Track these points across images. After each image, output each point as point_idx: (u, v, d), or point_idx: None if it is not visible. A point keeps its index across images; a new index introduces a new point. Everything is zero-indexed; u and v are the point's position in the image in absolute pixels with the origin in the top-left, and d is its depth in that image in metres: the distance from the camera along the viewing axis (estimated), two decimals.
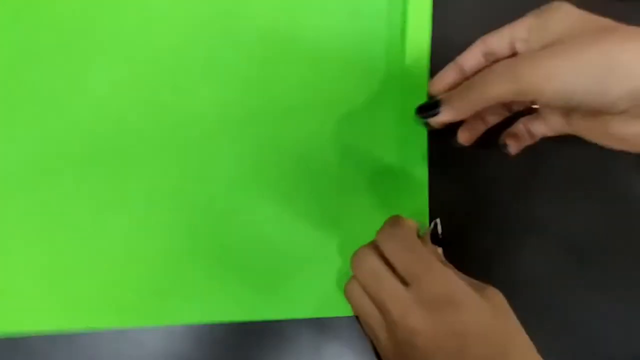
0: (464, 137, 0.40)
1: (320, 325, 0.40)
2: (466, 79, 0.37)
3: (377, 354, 0.37)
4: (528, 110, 0.39)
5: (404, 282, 0.33)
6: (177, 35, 0.41)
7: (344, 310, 0.39)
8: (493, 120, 0.40)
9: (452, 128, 0.39)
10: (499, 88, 0.32)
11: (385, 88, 0.42)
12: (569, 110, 0.35)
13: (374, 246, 0.35)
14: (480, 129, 0.40)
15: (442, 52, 0.41)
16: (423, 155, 0.41)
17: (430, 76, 0.40)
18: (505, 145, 0.40)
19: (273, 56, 0.42)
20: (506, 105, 0.39)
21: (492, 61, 0.36)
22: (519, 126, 0.39)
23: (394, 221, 0.35)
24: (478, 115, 0.39)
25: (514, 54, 0.35)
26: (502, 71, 0.32)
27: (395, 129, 0.42)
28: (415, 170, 0.41)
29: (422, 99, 0.40)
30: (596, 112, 0.32)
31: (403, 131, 0.41)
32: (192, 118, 0.41)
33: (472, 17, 0.43)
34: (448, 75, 0.38)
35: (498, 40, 0.36)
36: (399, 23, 0.43)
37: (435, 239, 0.39)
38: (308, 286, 0.40)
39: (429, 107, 0.36)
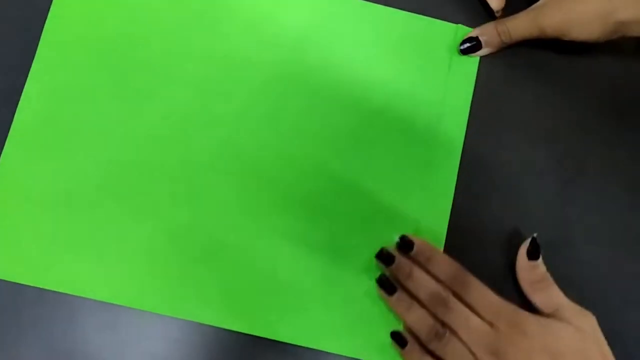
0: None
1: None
2: None
3: None
4: None
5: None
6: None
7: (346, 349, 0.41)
8: None
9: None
10: (528, 33, 0.42)
11: (415, 138, 0.44)
12: None
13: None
14: None
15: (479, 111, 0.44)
16: (446, 208, 0.42)
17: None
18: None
19: (296, 95, 0.44)
20: None
21: None
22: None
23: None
24: None
25: None
26: (530, 19, 0.42)
27: (421, 180, 0.43)
28: (435, 225, 0.42)
29: (456, 155, 0.43)
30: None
31: (428, 182, 0.43)
32: (214, 164, 0.43)
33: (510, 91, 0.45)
34: None
35: None
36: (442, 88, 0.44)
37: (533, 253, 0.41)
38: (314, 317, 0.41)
39: (472, 47, 0.44)
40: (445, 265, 0.39)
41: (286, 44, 0.44)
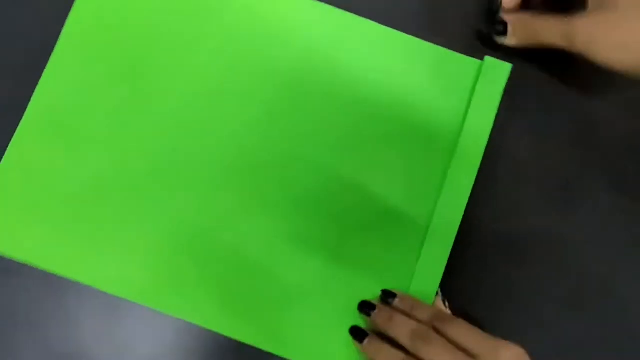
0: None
1: None
2: None
3: None
4: None
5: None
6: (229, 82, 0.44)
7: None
8: None
9: None
10: (557, 39, 0.39)
11: (428, 147, 0.43)
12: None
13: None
14: None
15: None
16: (455, 223, 0.42)
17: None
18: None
19: (303, 99, 0.44)
20: None
21: None
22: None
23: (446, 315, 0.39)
24: None
25: None
26: (564, 25, 0.39)
27: (434, 191, 0.42)
28: (444, 234, 0.42)
29: (472, 174, 0.42)
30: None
31: (441, 193, 0.42)
32: (216, 155, 0.43)
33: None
34: None
35: None
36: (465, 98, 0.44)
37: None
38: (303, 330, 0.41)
39: (498, 30, 0.42)
40: (428, 308, 0.39)
41: (300, 54, 0.44)
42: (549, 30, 0.40)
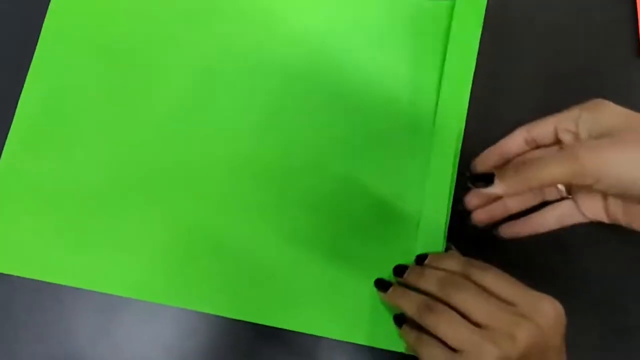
0: (479, 218, 0.40)
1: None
2: (507, 162, 0.39)
3: None
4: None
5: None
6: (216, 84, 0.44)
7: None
8: (515, 207, 0.40)
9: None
10: (558, 169, 0.33)
11: (411, 137, 0.43)
12: (622, 197, 0.36)
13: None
14: (498, 213, 0.40)
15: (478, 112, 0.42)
16: (444, 208, 0.41)
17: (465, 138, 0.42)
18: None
19: (294, 101, 0.43)
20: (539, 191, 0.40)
21: (533, 148, 0.38)
22: (546, 215, 0.39)
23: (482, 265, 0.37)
24: (500, 198, 0.40)
25: (556, 143, 0.37)
26: (563, 154, 0.33)
27: (420, 177, 0.42)
28: (435, 219, 0.41)
29: (450, 154, 0.41)
30: None
31: (427, 181, 0.41)
32: (216, 159, 0.43)
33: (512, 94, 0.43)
34: (490, 158, 0.39)
35: (542, 129, 0.37)
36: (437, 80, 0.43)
37: None
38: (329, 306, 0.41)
39: (483, 178, 0.36)
40: (459, 258, 0.38)
41: (285, 37, 0.44)
42: (550, 161, 0.33)
